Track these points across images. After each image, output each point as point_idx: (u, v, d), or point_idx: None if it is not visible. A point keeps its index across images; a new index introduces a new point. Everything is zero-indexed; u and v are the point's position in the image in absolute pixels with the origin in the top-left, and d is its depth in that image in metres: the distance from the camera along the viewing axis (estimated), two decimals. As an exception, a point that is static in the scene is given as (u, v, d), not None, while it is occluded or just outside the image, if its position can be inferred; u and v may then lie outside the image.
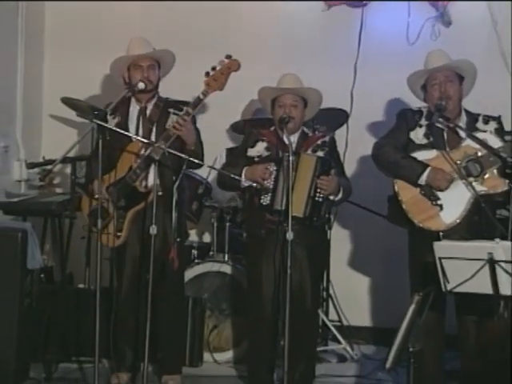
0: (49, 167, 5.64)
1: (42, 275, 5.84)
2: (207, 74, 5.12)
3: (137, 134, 5.37)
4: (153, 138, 5.33)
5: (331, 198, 5.21)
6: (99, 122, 5.05)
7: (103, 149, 5.09)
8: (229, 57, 5.11)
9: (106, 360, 5.55)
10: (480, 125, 5.10)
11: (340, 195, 5.24)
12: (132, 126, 5.43)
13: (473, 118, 5.15)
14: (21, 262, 5.28)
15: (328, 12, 6.74)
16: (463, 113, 5.17)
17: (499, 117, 5.17)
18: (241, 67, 5.15)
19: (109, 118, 5.40)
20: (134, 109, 5.47)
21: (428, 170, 5.02)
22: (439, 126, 5.07)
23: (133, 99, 5.47)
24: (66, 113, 6.39)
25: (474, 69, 5.21)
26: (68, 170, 6.16)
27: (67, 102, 6.18)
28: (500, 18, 6.53)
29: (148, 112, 5.45)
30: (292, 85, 5.24)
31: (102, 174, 5.17)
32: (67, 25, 7.00)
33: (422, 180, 5.02)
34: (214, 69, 5.12)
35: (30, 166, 6.17)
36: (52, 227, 6.07)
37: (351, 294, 6.61)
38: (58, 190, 6.31)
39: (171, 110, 5.37)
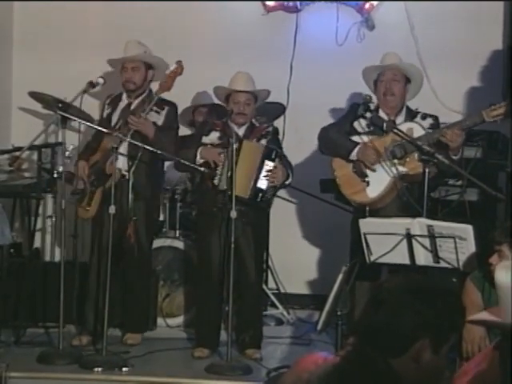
0: (17, 154, 5.60)
1: (12, 250, 5.80)
2: None
3: (115, 125, 5.35)
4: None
5: (286, 182, 5.29)
6: (62, 113, 5.02)
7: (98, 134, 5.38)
8: (178, 62, 5.10)
9: (69, 325, 5.47)
10: (418, 120, 5.12)
11: (290, 179, 5.33)
12: (115, 118, 5.45)
13: (412, 114, 5.21)
14: (-8, 239, 5.23)
15: (267, 16, 6.69)
16: (404, 110, 5.21)
17: (437, 116, 5.22)
18: (185, 66, 5.21)
19: (106, 107, 5.53)
20: (123, 103, 5.50)
21: (358, 146, 5.05)
22: (381, 117, 5.10)
23: (124, 94, 5.49)
24: (33, 105, 6.26)
25: (420, 73, 5.28)
26: (35, 156, 6.06)
27: (34, 95, 6.06)
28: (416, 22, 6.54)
29: (132, 107, 5.43)
30: (245, 85, 5.26)
31: (90, 155, 5.42)
32: (35, 24, 6.82)
33: (353, 155, 5.09)
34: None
35: (1, 152, 6.03)
36: (20, 207, 6.05)
37: (291, 266, 6.55)
38: (26, 174, 6.18)
39: (153, 108, 5.33)
